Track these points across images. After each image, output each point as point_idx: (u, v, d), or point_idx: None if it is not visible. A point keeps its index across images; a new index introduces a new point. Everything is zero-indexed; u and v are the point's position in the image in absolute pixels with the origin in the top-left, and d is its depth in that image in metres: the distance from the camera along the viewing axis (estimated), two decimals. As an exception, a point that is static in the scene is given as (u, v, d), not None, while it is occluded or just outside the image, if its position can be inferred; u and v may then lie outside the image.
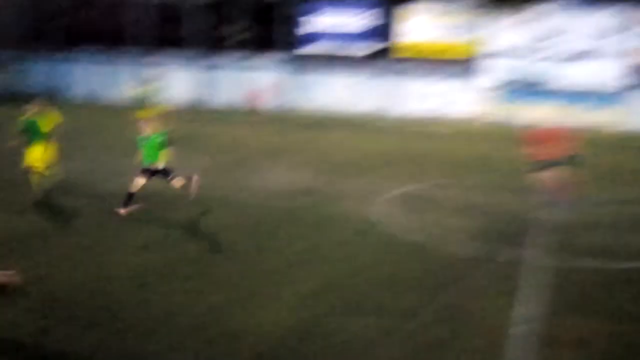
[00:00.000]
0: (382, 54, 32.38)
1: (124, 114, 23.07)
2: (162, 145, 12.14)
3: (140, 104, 21.24)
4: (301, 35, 33.19)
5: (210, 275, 9.03)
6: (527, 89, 30.51)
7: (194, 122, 24.98)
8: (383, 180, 15.92)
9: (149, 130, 12.32)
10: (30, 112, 13.20)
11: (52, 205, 12.75)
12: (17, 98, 30.70)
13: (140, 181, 12.04)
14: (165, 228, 11.43)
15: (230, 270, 9.22)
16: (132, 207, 11.98)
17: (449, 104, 31.13)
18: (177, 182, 12.34)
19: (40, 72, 35.40)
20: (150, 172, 12.16)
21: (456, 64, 31.18)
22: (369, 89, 32.46)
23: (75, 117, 19.12)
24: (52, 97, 32.67)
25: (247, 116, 25.62)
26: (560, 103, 29.72)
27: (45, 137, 13.13)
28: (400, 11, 31.82)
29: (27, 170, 13.03)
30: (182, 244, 10.61)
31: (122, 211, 11.84)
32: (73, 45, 35.47)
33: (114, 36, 34.64)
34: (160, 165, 12.13)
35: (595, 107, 29.41)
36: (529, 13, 30.01)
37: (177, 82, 32.77)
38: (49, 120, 13.34)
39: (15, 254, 9.50)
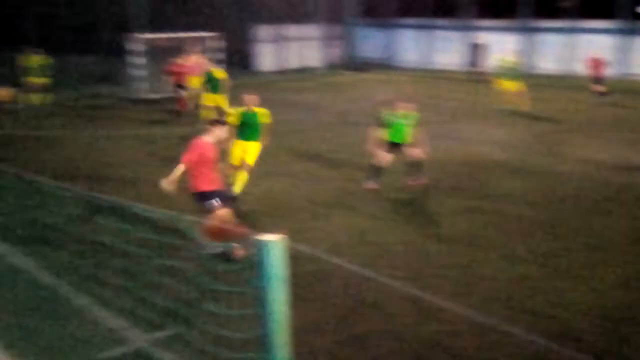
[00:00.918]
0: None
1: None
2: (411, 126, 11.91)
3: (506, 74, 21.13)
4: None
5: (526, 245, 8.86)
6: None
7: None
8: None
9: (400, 110, 11.94)
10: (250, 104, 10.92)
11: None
12: (357, 67, 33.59)
13: (386, 156, 11.92)
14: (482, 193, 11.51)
15: (552, 245, 8.93)
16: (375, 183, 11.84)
17: None
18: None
19: (375, 41, 37.31)
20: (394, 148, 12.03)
21: None
22: None
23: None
24: (385, 64, 34.79)
25: (587, 85, 23.61)
26: None
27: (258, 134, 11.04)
28: None
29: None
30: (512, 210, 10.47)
31: (369, 185, 11.78)
32: (404, 15, 36.83)
33: (438, 6, 35.29)
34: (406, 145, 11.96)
35: None
36: None
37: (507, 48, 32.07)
38: (264, 116, 11.08)
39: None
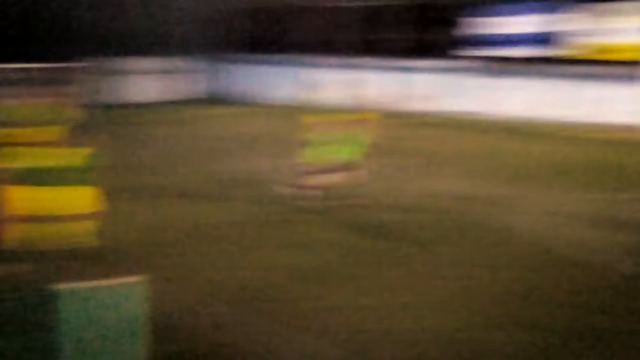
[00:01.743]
0: (550, 58, 30.80)
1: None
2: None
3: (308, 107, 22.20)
4: (463, 38, 32.44)
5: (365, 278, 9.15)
6: None
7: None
8: (556, 191, 15.21)
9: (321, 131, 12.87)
10: None
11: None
12: (223, 101, 33.59)
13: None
14: (329, 228, 11.70)
15: (388, 274, 9.29)
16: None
17: (616, 109, 28.83)
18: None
19: (242, 75, 37.22)
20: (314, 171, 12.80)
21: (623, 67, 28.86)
22: (537, 94, 31.06)
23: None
24: (250, 100, 34.92)
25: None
26: None
27: None
28: (569, 14, 30.09)
29: None
30: (343, 244, 10.78)
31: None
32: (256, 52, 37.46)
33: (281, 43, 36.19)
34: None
35: None
36: None
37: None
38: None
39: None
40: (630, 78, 28.73)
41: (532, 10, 31.14)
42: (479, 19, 32.09)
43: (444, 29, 32.24)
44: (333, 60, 34.96)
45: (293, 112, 29.25)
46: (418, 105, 26.94)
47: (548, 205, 13.67)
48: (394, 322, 7.69)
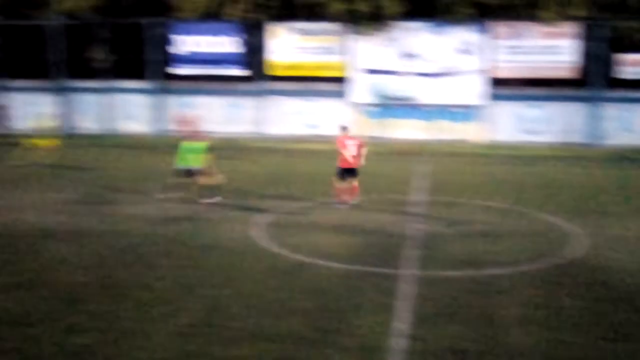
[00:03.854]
0: (251, 77, 32.39)
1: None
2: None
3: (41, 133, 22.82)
4: (172, 56, 32.64)
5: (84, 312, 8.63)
6: (395, 105, 31.55)
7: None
8: (263, 201, 16.01)
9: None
10: None
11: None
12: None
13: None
14: (36, 264, 10.84)
15: (105, 307, 8.81)
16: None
17: (323, 121, 31.64)
18: None
19: None
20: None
21: (328, 82, 31.73)
22: (242, 110, 32.51)
23: None
24: None
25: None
26: (427, 117, 31.17)
27: None
28: (266, 33, 31.92)
29: None
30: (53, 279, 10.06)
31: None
32: None
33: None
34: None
35: (458, 121, 31.01)
36: (394, 31, 31.03)
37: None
38: None
39: None
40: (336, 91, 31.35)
41: (231, 31, 32.23)
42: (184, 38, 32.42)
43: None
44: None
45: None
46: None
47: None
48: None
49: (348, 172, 15.72)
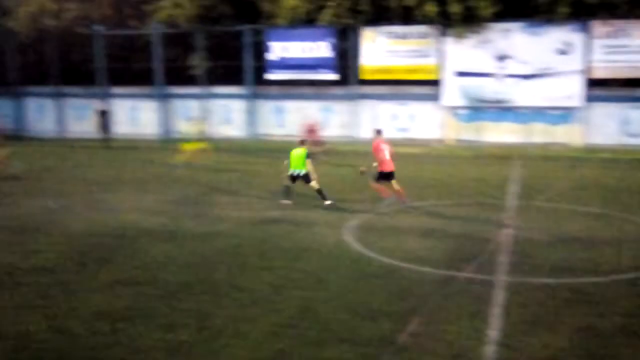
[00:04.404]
0: (343, 81, 32.64)
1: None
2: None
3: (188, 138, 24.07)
4: (268, 63, 33.35)
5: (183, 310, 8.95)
6: (489, 108, 31.02)
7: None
8: (355, 204, 16.11)
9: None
10: None
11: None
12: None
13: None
14: (139, 262, 11.30)
15: (203, 305, 9.12)
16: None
17: (415, 125, 31.54)
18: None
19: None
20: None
21: (420, 86, 31.59)
22: (334, 114, 32.84)
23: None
24: (16, 135, 32.86)
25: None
26: (521, 120, 30.44)
27: None
28: (359, 37, 32.11)
29: None
30: (153, 278, 10.45)
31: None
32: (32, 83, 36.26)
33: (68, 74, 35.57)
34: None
35: (554, 124, 30.15)
36: (487, 33, 30.55)
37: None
38: None
39: None
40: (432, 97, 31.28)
41: (324, 36, 32.55)
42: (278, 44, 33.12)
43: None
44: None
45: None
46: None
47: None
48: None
49: (389, 176, 15.93)
